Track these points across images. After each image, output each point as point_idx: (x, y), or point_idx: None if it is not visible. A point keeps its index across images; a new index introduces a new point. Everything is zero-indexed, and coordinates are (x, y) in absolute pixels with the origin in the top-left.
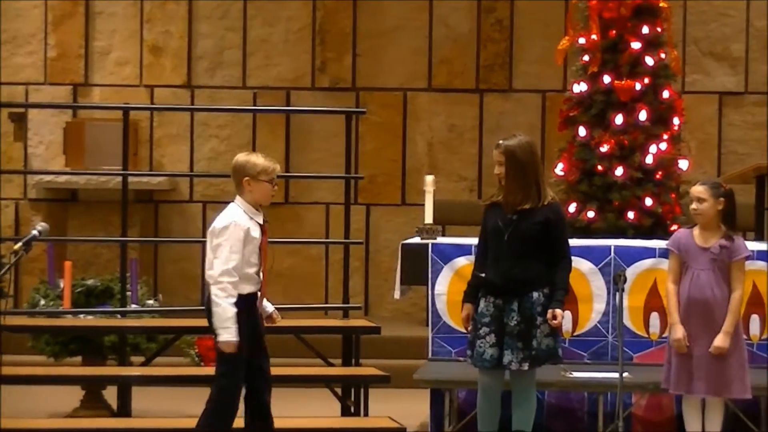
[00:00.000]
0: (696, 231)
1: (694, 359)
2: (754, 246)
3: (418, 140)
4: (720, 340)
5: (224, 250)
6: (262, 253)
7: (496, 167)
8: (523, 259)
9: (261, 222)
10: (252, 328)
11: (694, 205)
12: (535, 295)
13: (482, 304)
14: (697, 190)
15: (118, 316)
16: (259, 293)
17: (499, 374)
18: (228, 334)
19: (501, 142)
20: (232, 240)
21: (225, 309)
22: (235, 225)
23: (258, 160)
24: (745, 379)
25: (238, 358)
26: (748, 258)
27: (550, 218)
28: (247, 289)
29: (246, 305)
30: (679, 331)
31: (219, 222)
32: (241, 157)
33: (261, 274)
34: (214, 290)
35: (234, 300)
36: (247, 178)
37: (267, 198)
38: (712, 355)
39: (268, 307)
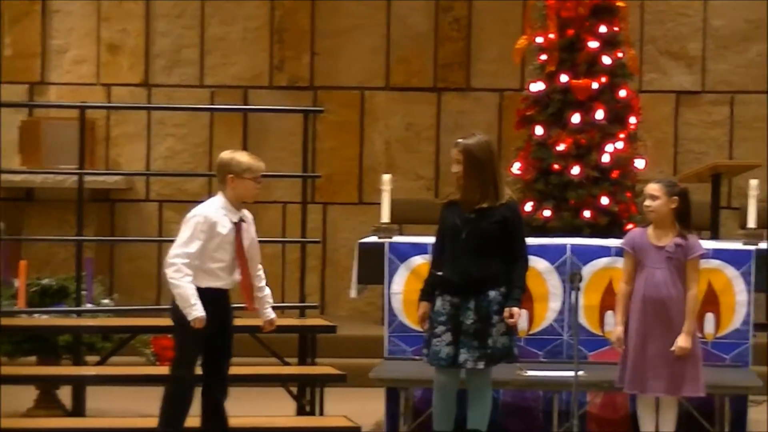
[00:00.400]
0: (650, 230)
1: (648, 358)
2: (709, 244)
3: (376, 139)
4: (683, 341)
5: (184, 236)
6: (236, 251)
7: (454, 166)
8: (480, 258)
9: (236, 220)
10: (214, 324)
11: (647, 202)
12: (492, 293)
13: (439, 302)
14: (651, 187)
15: (74, 315)
16: (230, 290)
17: (454, 373)
18: (195, 311)
19: (459, 140)
20: (193, 229)
21: (185, 288)
22: (201, 216)
23: (243, 158)
24: (699, 377)
25: (194, 348)
26: (703, 256)
27: (507, 217)
28: (209, 283)
29: (208, 300)
30: (615, 333)
31: (191, 212)
32: (226, 154)
33: (239, 274)
34: (169, 273)
35: (191, 278)
36: (231, 175)
37: (250, 195)
38: (666, 353)
39: (269, 313)
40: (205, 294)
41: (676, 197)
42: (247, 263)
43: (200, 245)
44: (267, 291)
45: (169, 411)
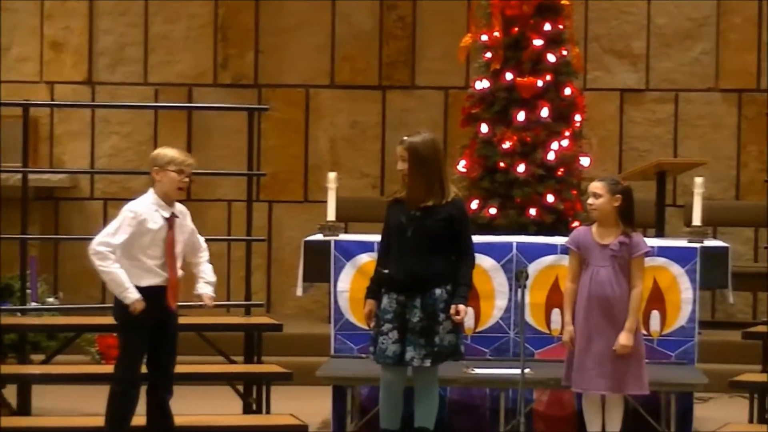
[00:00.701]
0: (594, 228)
1: (592, 356)
2: (654, 242)
3: (321, 137)
4: (624, 338)
5: (111, 227)
6: (166, 247)
7: (400, 163)
8: (426, 256)
9: (167, 215)
10: (155, 323)
11: (590, 201)
12: (438, 291)
13: (385, 300)
14: (594, 185)
15: (18, 314)
16: (166, 287)
17: (401, 371)
18: (131, 293)
19: (405, 138)
20: (121, 222)
21: (115, 273)
22: (131, 211)
23: (169, 151)
24: (643, 375)
25: (138, 347)
26: (647, 254)
27: (453, 215)
28: (148, 281)
29: (149, 298)
30: (567, 332)
31: (125, 205)
32: (157, 149)
33: (169, 270)
34: (96, 262)
35: (119, 264)
36: (155, 168)
37: (173, 189)
38: (611, 351)
39: (200, 288)
40: (145, 292)
41: (619, 195)
42: (174, 259)
43: (125, 239)
44: (203, 267)
45: (114, 410)
